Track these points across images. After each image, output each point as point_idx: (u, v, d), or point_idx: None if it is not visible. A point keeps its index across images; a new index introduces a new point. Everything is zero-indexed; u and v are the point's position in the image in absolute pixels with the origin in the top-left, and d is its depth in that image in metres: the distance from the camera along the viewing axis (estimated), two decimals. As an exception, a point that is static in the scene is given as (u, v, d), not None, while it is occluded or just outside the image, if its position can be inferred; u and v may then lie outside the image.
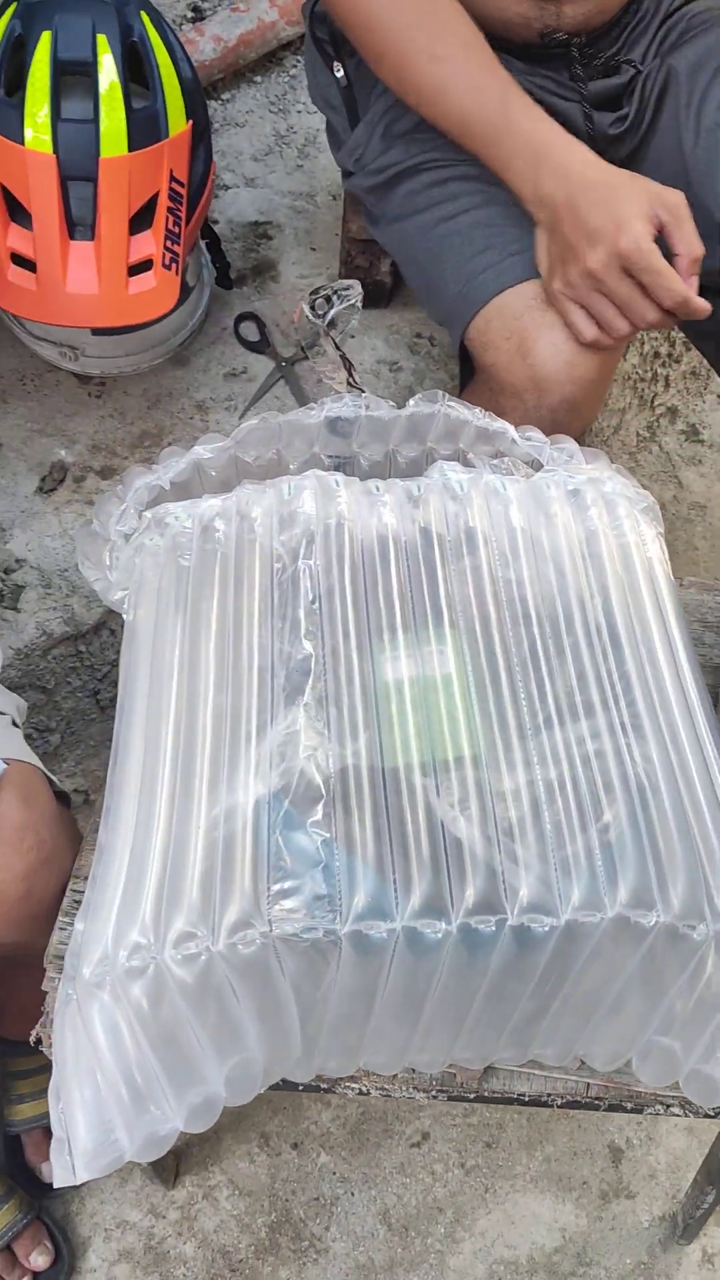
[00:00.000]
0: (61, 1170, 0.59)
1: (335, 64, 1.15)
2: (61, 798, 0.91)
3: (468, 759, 0.63)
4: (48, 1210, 1.12)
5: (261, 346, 1.38)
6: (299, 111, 1.61)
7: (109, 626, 1.25)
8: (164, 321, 1.24)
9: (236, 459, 0.82)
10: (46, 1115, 1.11)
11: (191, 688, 0.67)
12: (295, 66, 1.63)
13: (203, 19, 1.55)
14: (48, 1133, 1.13)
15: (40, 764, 0.88)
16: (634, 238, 0.87)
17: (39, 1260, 1.08)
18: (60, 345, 1.29)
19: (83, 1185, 1.14)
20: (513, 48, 1.06)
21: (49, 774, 0.89)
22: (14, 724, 0.91)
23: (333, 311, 0.85)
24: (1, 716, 0.89)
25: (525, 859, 0.60)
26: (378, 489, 0.73)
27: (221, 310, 1.40)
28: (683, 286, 0.89)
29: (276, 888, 0.57)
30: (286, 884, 0.57)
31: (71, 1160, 0.58)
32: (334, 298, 0.86)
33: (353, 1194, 1.16)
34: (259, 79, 1.61)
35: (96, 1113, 0.58)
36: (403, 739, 0.63)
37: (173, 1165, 1.15)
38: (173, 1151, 1.10)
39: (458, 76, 0.97)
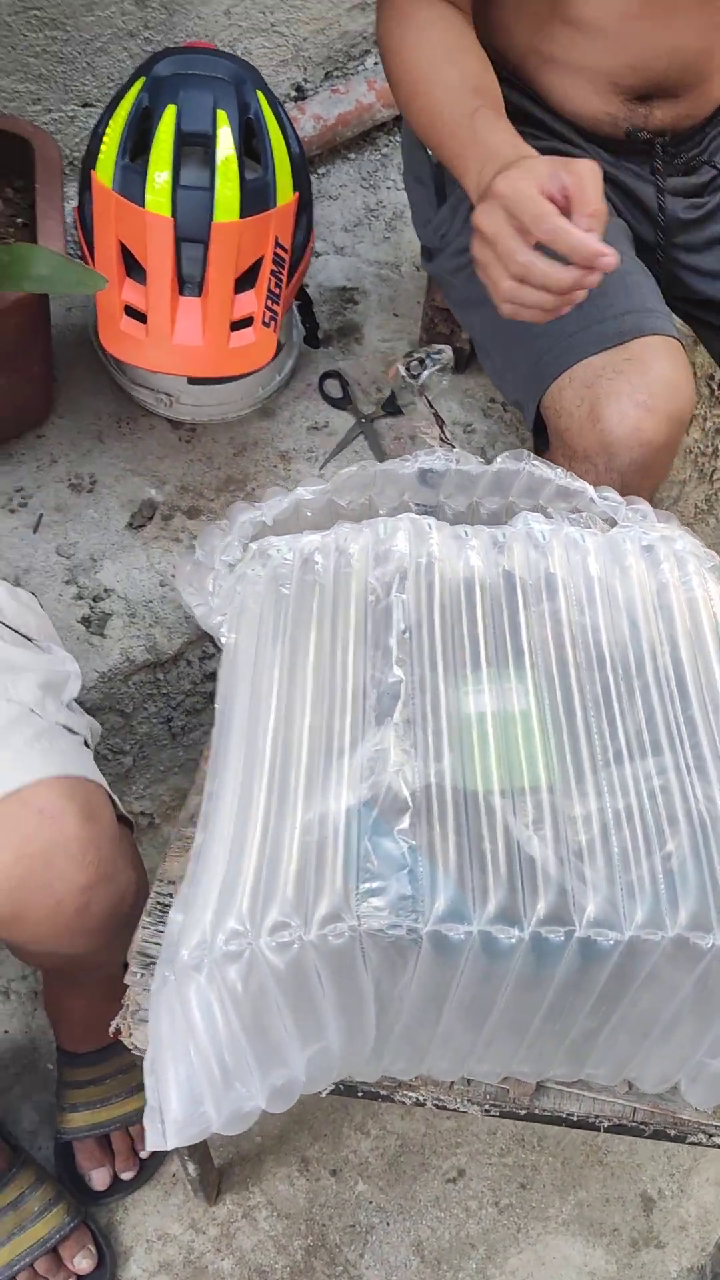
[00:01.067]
0: (154, 1136, 0.64)
1: (431, 145, 1.24)
2: (123, 820, 0.94)
3: (543, 786, 0.68)
4: (93, 1217, 1.15)
5: (343, 403, 1.46)
6: (388, 188, 1.71)
7: (186, 657, 1.32)
8: (254, 374, 1.32)
9: (332, 501, 0.89)
10: (98, 1125, 1.17)
11: (289, 706, 0.72)
12: (387, 146, 1.73)
13: (305, 98, 1.66)
14: (99, 1141, 1.17)
15: (106, 785, 0.92)
16: (510, 181, 0.85)
17: (83, 1264, 1.11)
18: (157, 392, 1.38)
19: (127, 1197, 1.18)
20: (599, 139, 1.14)
21: (113, 796, 0.93)
22: (86, 744, 0.95)
23: (426, 373, 0.92)
24: (75, 736, 0.92)
25: (593, 880, 0.64)
26: (466, 534, 0.79)
27: (308, 367, 1.48)
28: (561, 221, 0.83)
29: (365, 887, 0.62)
30: (374, 884, 0.62)
31: (163, 1128, 0.63)
32: (427, 360, 0.93)
33: (388, 1224, 1.19)
34: (353, 156, 1.71)
35: (188, 1087, 0.63)
36: (483, 765, 0.68)
37: (215, 1182, 1.18)
38: (216, 1169, 1.14)
39: (445, 98, 1.00)
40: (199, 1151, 1.06)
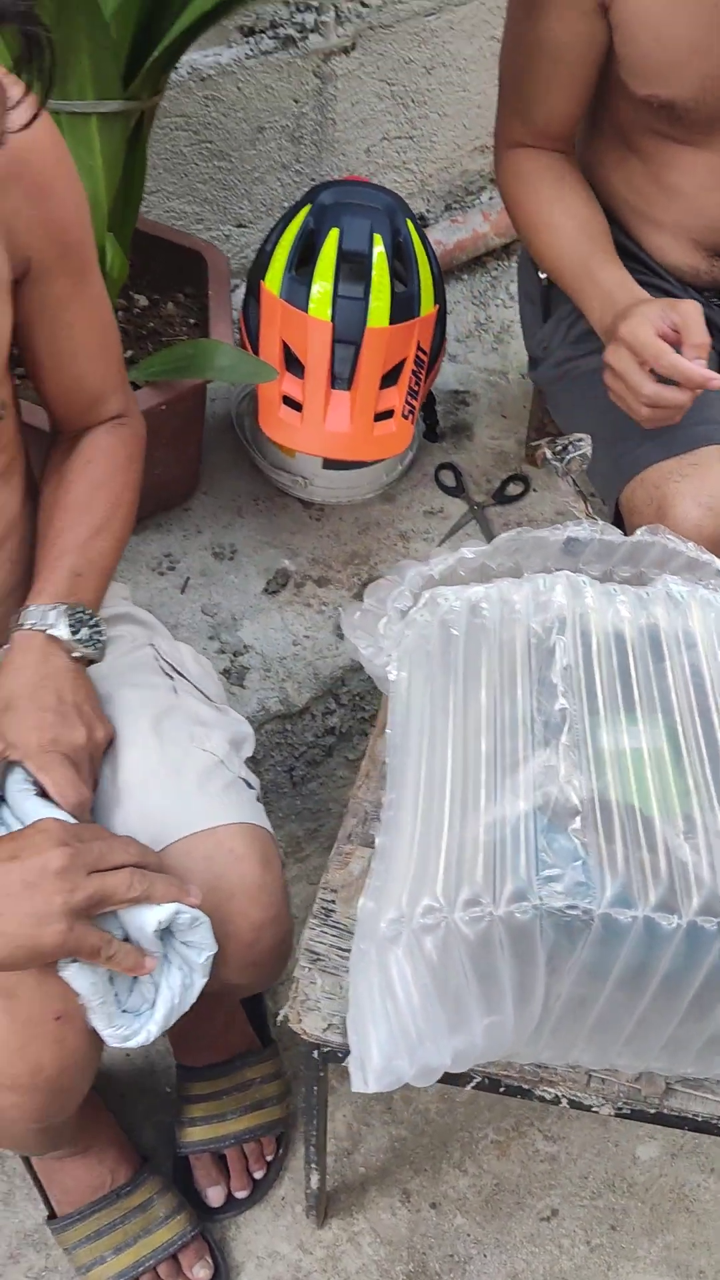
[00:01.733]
0: (358, 1080, 0.73)
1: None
2: None
3: (693, 806, 0.78)
4: (209, 1231, 1.23)
5: (457, 491, 1.61)
6: (496, 305, 1.89)
7: (311, 711, 1.44)
8: (381, 462, 1.47)
9: (485, 564, 1.02)
10: (216, 1140, 1.24)
11: (466, 728, 0.84)
12: (496, 269, 1.92)
13: (427, 226, 1.85)
14: (215, 1159, 1.25)
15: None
16: (630, 328, 1.07)
17: (201, 1273, 1.18)
18: (293, 475, 1.54)
19: (239, 1215, 1.25)
20: (688, 284, 1.31)
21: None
22: (258, 799, 1.04)
23: (570, 457, 1.06)
24: (252, 790, 1.02)
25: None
26: (614, 590, 0.92)
27: (425, 458, 1.63)
28: (674, 358, 1.05)
29: (544, 873, 0.73)
30: (552, 871, 0.73)
31: (365, 1076, 0.73)
32: (570, 446, 1.07)
33: (485, 1255, 1.25)
34: (465, 276, 1.90)
35: (388, 1043, 0.73)
36: (638, 786, 0.79)
37: (323, 1206, 1.25)
38: (324, 1193, 1.21)
39: (563, 242, 1.22)
40: (321, 1166, 1.14)
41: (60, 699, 0.89)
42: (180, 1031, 1.26)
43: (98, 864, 0.79)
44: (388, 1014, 0.74)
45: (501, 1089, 0.90)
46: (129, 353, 1.42)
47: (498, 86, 1.25)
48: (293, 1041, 1.37)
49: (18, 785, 0.86)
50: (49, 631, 0.91)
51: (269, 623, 1.45)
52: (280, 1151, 1.28)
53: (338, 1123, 1.30)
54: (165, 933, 0.83)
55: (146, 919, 0.80)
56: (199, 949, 0.83)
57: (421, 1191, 1.29)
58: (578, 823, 0.75)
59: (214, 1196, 1.24)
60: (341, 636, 1.45)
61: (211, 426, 1.62)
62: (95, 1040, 0.83)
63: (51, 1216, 1.18)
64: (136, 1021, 0.81)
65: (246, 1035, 1.30)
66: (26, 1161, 1.22)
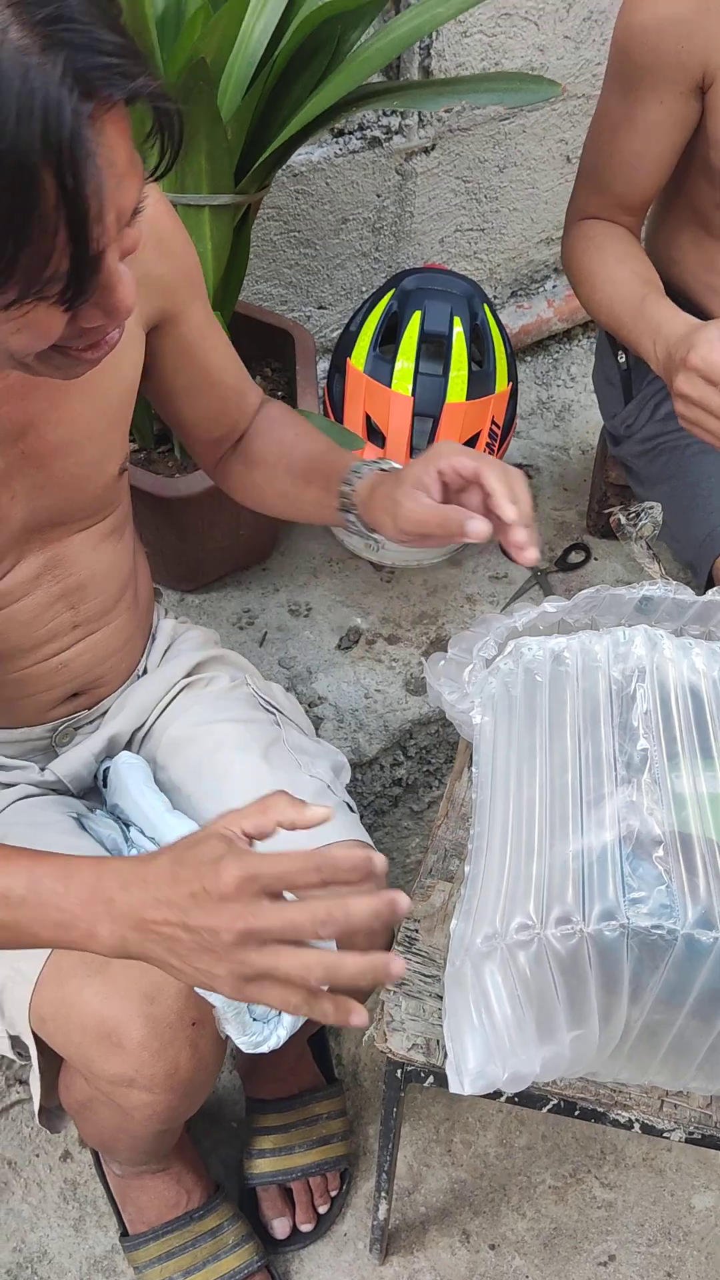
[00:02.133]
0: (454, 1084, 0.79)
1: (619, 352, 1.51)
2: None
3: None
4: (273, 1263, 1.26)
5: (520, 559, 1.69)
6: (558, 385, 2.00)
7: (380, 762, 1.51)
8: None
9: (563, 620, 1.10)
10: (283, 1172, 1.29)
11: (554, 765, 0.91)
12: (558, 352, 2.03)
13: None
14: (282, 1190, 1.29)
15: None
16: (701, 354, 1.08)
17: (265, 1302, 1.22)
18: (367, 539, 1.62)
19: (303, 1249, 1.28)
20: None
21: None
22: (349, 809, 1.13)
23: (643, 522, 1.14)
24: (353, 814, 1.09)
25: None
26: (689, 644, 0.99)
27: (491, 527, 1.72)
28: None
29: (631, 895, 0.79)
30: (639, 894, 0.79)
31: (462, 1080, 0.79)
32: (642, 514, 1.15)
33: (543, 1298, 1.27)
34: (529, 358, 2.01)
35: (482, 1050, 0.79)
36: (716, 823, 0.86)
37: (385, 1241, 1.28)
38: (383, 1230, 1.25)
39: (621, 290, 1.27)
40: (389, 1193, 1.18)
41: None
42: (252, 1065, 1.32)
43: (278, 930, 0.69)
44: (482, 1024, 0.80)
45: (576, 1112, 0.94)
46: (220, 421, 1.52)
47: (580, 159, 1.31)
48: (355, 1081, 1.41)
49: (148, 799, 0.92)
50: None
51: (342, 676, 1.52)
52: (344, 1187, 1.32)
53: (399, 1163, 1.34)
54: None
55: None
56: None
57: (481, 1233, 1.32)
58: (660, 851, 0.81)
59: (279, 1228, 1.28)
60: (411, 692, 1.52)
61: (289, 492, 1.72)
62: (223, 1044, 0.89)
63: (124, 1235, 1.22)
64: (266, 1028, 0.86)
65: (314, 1071, 1.35)
66: (103, 1179, 1.26)
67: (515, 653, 1.03)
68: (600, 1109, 0.94)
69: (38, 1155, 1.33)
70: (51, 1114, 1.03)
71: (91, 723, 1.06)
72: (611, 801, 0.87)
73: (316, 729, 1.47)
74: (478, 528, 0.90)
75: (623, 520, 1.15)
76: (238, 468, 1.10)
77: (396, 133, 1.66)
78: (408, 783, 1.55)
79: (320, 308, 1.80)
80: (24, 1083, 1.36)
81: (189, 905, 0.67)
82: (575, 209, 1.35)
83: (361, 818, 1.55)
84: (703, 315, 1.40)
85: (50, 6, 0.54)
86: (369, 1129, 1.37)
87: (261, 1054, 1.30)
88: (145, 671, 1.11)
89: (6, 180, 0.54)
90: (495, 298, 1.98)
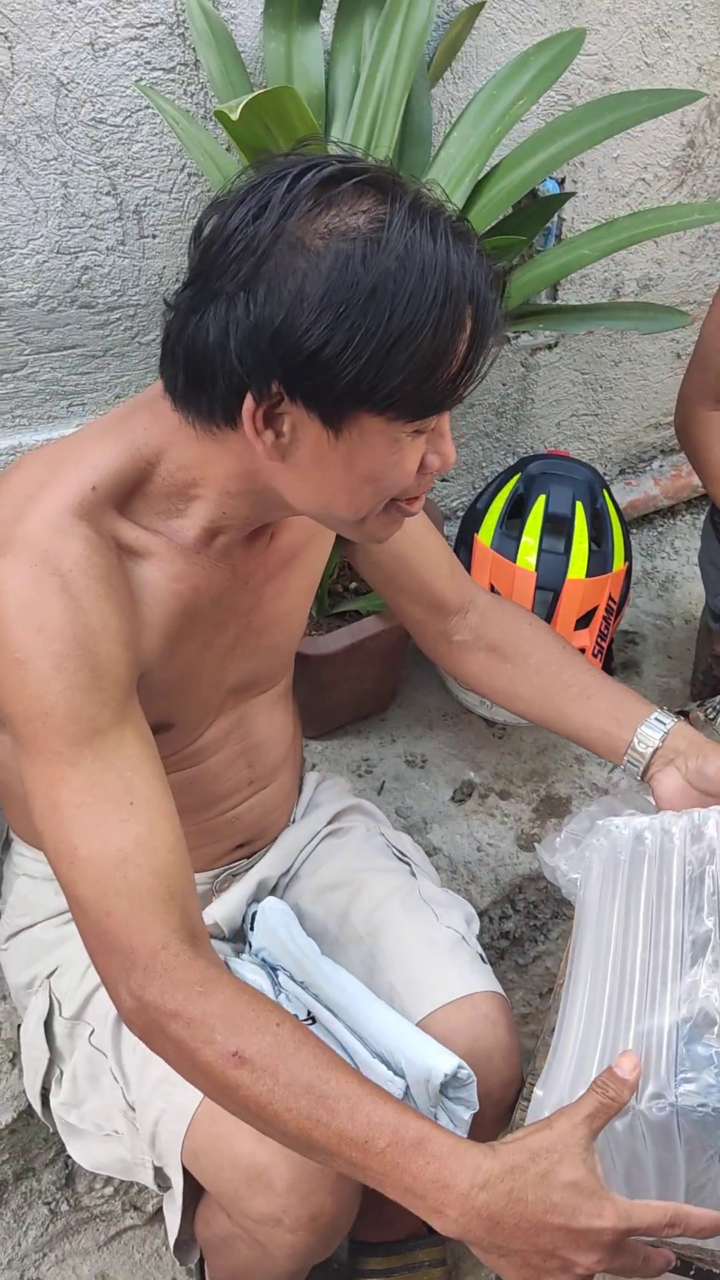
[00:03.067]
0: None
1: (724, 541, 1.62)
2: None
3: None
4: None
5: (626, 723, 1.77)
6: (662, 558, 2.11)
7: (489, 914, 1.58)
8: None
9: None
10: (382, 1315, 1.31)
11: (626, 944, 0.97)
12: (662, 526, 2.15)
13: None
14: (378, 1333, 1.31)
15: None
16: None
17: None
18: (480, 695, 1.73)
19: None
20: None
21: None
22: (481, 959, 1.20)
23: (717, 717, 1.23)
24: (485, 964, 1.13)
25: None
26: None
27: (598, 691, 1.81)
28: None
29: (681, 1075, 0.85)
30: (689, 1074, 0.85)
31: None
32: (713, 709, 1.24)
33: None
34: (635, 531, 2.13)
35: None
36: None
37: None
38: None
39: None
40: (493, 1349, 1.20)
41: None
42: (361, 1206, 1.35)
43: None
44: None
45: (692, 1272, 0.98)
46: (353, 584, 1.66)
47: (695, 348, 1.44)
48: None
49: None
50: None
51: (456, 828, 1.61)
52: (441, 1336, 1.33)
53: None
54: (440, 1086, 0.94)
55: (435, 1067, 0.91)
56: (466, 1106, 0.94)
57: None
58: (715, 1031, 0.88)
59: None
60: (522, 847, 1.60)
61: (410, 647, 1.84)
62: (359, 1190, 0.94)
63: None
64: None
65: (419, 1218, 1.38)
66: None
67: (604, 831, 1.10)
68: (716, 1270, 0.97)
69: (148, 1281, 1.38)
70: (183, 1246, 1.09)
71: (246, 870, 1.15)
72: (678, 984, 0.92)
73: (431, 878, 1.55)
74: None
75: (701, 717, 1.24)
76: (479, 656, 1.17)
77: (524, 332, 1.82)
78: (515, 936, 1.61)
79: (443, 480, 1.95)
80: (138, 1209, 1.42)
81: (560, 1243, 0.74)
82: (689, 398, 1.49)
83: (469, 967, 1.61)
84: None
85: (457, 221, 0.76)
86: (468, 1281, 1.40)
87: (374, 1194, 1.36)
88: (294, 820, 1.20)
89: (453, 306, 0.72)
90: (605, 474, 2.12)
